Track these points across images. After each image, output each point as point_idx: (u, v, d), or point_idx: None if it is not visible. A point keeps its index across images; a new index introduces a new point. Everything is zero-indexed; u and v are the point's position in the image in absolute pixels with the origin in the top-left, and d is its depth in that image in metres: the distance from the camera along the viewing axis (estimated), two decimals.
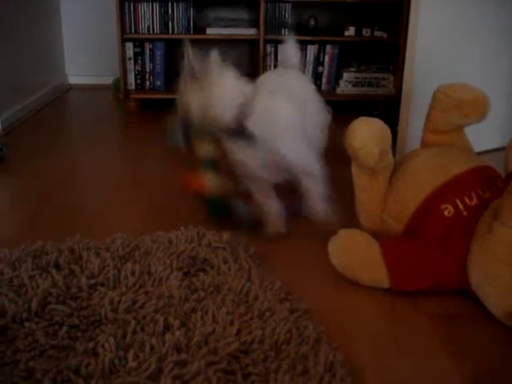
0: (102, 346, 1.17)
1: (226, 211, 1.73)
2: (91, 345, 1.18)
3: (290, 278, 1.45)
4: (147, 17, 3.15)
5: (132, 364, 1.12)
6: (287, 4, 3.16)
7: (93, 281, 1.40)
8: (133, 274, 1.43)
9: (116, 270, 1.44)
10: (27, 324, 1.25)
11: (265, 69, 3.22)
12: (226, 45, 3.52)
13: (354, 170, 1.59)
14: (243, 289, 1.38)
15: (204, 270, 1.46)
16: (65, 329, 1.23)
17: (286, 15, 3.18)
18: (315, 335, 1.22)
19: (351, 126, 1.52)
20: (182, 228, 1.66)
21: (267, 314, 1.28)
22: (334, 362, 1.13)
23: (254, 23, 3.32)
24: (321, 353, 1.16)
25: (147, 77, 3.25)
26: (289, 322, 1.26)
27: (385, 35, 3.23)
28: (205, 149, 1.68)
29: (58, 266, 1.47)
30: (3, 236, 1.72)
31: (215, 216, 1.76)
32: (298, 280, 1.47)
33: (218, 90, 1.48)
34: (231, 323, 1.25)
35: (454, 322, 1.34)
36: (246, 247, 1.58)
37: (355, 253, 1.49)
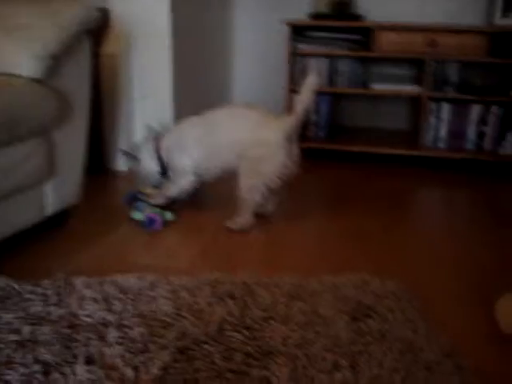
0: (276, 376, 1.25)
1: None
2: (265, 373, 1.26)
3: (453, 334, 1.46)
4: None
5: None
6: (454, 63, 3.18)
7: (265, 314, 1.50)
8: (302, 312, 1.51)
9: (286, 307, 1.53)
10: (205, 346, 1.37)
11: (427, 126, 3.24)
12: (387, 100, 3.60)
13: None
14: (409, 339, 1.41)
15: (370, 317, 1.51)
16: (240, 355, 1.33)
17: (451, 74, 3.20)
18: None
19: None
20: (347, 274, 1.72)
21: (434, 366, 1.30)
22: None
23: (416, 80, 3.36)
24: None
25: (310, 127, 3.39)
26: (456, 378, 1.27)
27: None
28: None
29: (232, 297, 1.59)
30: (181, 266, 1.88)
31: None
32: (461, 337, 1.47)
33: None
34: (396, 370, 1.28)
35: None
36: (409, 299, 1.61)
37: None
